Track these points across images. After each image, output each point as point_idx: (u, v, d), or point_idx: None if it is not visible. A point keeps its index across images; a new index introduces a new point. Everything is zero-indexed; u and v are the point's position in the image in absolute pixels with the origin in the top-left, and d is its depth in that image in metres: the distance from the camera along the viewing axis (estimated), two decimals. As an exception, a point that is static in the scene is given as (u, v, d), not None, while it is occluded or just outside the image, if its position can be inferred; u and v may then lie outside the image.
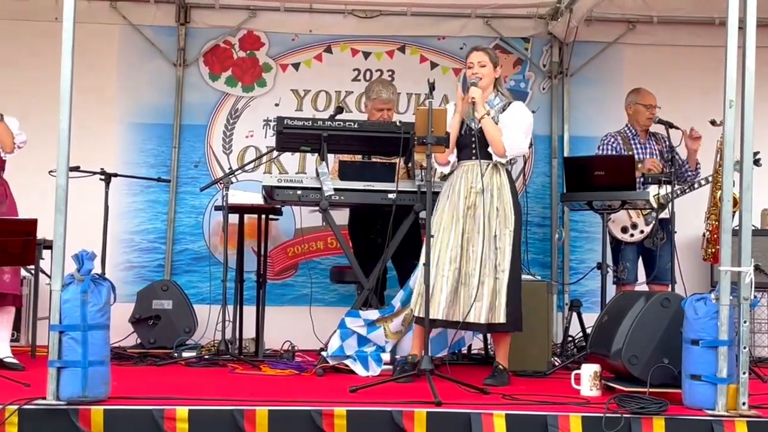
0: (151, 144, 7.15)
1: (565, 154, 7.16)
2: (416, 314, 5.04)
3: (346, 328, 5.41)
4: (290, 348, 6.07)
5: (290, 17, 7.28)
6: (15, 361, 5.34)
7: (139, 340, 6.40)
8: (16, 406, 3.92)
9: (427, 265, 4.77)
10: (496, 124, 5.10)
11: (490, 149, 5.11)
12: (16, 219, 5.13)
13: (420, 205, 5.51)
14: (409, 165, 5.82)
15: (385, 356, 5.34)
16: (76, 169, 5.68)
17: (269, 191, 5.60)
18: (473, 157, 5.12)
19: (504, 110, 5.18)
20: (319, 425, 4.00)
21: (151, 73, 7.17)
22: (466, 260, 4.99)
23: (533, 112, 7.19)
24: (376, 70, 7.26)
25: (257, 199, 5.97)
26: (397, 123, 5.78)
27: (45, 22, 6.80)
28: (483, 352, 6.14)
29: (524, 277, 5.77)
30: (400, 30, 7.34)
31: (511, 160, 5.20)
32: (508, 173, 5.18)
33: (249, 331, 6.28)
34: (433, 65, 7.31)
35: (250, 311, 6.30)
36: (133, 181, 6.85)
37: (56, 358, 4.02)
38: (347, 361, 5.36)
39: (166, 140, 7.16)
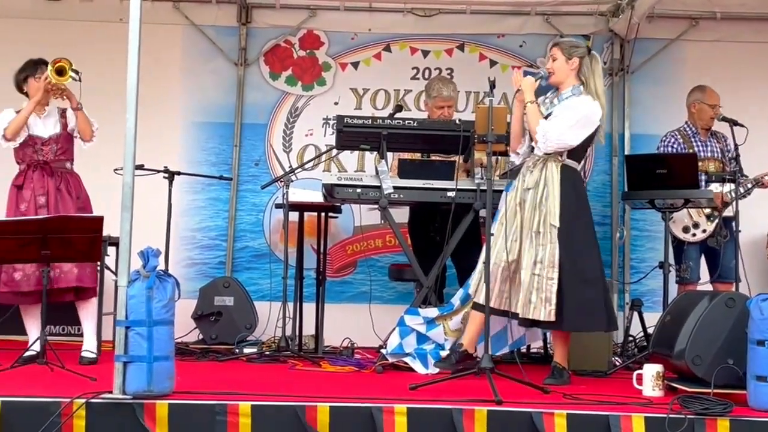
0: (212, 143, 7.25)
1: (626, 152, 7.09)
2: (491, 305, 4.90)
3: (405, 325, 5.42)
4: (349, 345, 6.10)
5: (350, 16, 7.32)
6: (92, 355, 5.42)
7: (201, 336, 6.49)
8: (83, 400, 4.00)
9: (486, 263, 4.76)
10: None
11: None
12: (83, 216, 5.23)
13: (479, 203, 5.51)
14: (468, 163, 5.81)
15: (444, 354, 5.34)
16: (141, 167, 5.75)
17: (329, 189, 5.64)
18: (532, 151, 5.10)
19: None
20: (380, 422, 4.02)
21: (213, 72, 7.27)
22: (514, 254, 4.95)
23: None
24: (435, 69, 7.26)
25: (317, 197, 6.01)
26: (457, 121, 5.77)
27: (110, 23, 6.94)
28: (542, 351, 6.11)
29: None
30: (459, 28, 7.33)
31: (568, 153, 5.03)
32: (565, 168, 4.99)
33: (308, 328, 6.33)
34: (492, 63, 7.29)
35: (309, 308, 6.35)
36: (195, 179, 6.94)
37: (122, 353, 4.09)
38: (406, 359, 5.37)
39: (227, 139, 7.25)
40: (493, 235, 4.92)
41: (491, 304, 4.86)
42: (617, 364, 5.58)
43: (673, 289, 6.10)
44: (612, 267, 7.11)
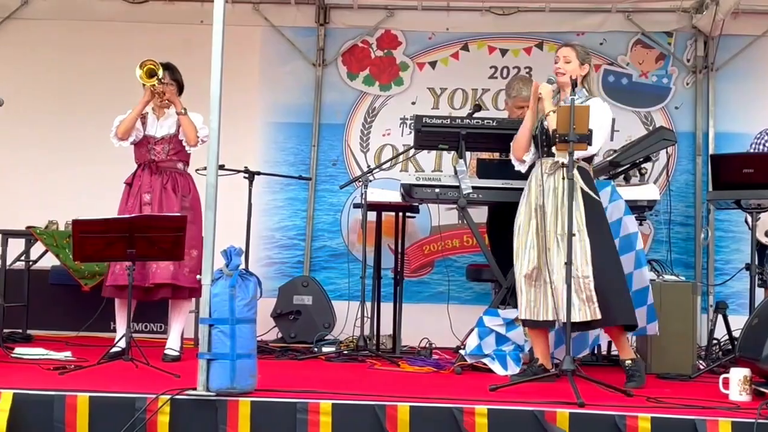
0: (291, 143, 7.31)
1: (710, 152, 6.94)
2: (522, 317, 4.98)
3: (484, 326, 5.38)
4: (427, 345, 6.09)
5: (427, 16, 7.32)
6: (175, 353, 5.50)
7: (280, 335, 6.56)
8: (168, 396, 4.06)
9: (568, 267, 4.71)
10: None
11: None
12: (167, 216, 5.31)
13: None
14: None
15: (524, 356, 5.30)
16: (221, 167, 5.81)
17: (408, 189, 5.64)
18: (543, 155, 5.02)
19: None
20: (460, 423, 4.01)
21: (291, 73, 7.34)
22: (540, 259, 4.89)
23: (676, 108, 7.13)
24: (513, 68, 7.22)
25: (395, 197, 6.02)
26: (537, 121, 5.71)
27: (191, 26, 7.05)
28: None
29: (667, 277, 5.66)
30: (538, 26, 7.27)
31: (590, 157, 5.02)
32: (582, 170, 4.92)
33: (386, 328, 6.33)
34: (572, 61, 7.19)
35: (387, 308, 6.35)
36: (273, 179, 7.01)
37: (206, 350, 4.14)
38: (485, 360, 5.34)
39: (305, 139, 7.31)
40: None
41: (524, 317, 4.91)
42: (701, 367, 5.47)
43: (760, 292, 5.95)
44: (696, 268, 6.98)
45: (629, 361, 4.94)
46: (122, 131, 5.59)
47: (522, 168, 5.18)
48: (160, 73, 5.50)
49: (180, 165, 5.70)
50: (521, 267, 4.95)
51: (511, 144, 5.19)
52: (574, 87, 4.84)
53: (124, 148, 5.71)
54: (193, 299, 5.86)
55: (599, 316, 4.79)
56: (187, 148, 5.64)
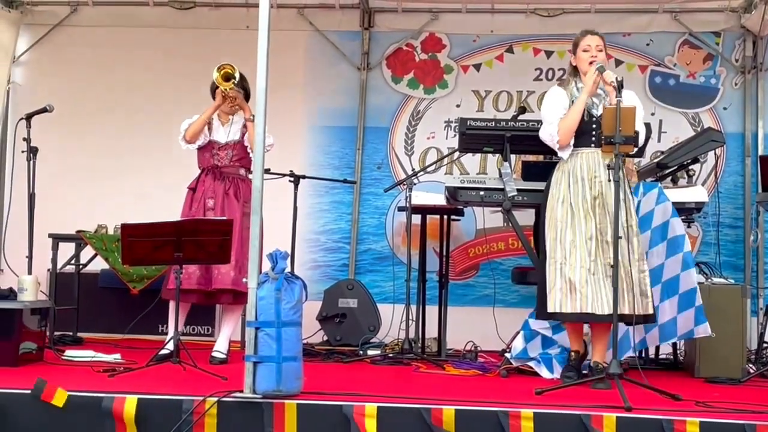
0: (335, 146, 7.35)
1: (759, 153, 6.85)
2: (558, 310, 4.83)
3: (530, 329, 5.36)
4: (473, 348, 6.08)
5: (471, 18, 7.31)
6: (222, 356, 5.54)
7: (325, 337, 6.58)
8: (215, 398, 4.10)
9: (615, 267, 4.66)
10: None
11: None
12: (213, 219, 5.36)
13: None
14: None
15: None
16: (267, 171, 5.85)
17: (452, 192, 5.62)
18: (592, 145, 4.94)
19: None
20: (505, 426, 3.99)
21: (336, 77, 7.38)
22: (602, 252, 4.82)
23: (724, 108, 7.04)
24: (559, 69, 7.17)
25: (440, 199, 6.01)
26: (583, 122, 5.67)
27: (237, 30, 7.11)
28: (671, 357, 5.94)
29: (716, 280, 5.60)
30: (583, 27, 7.10)
31: None
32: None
33: (431, 331, 6.33)
34: (618, 62, 7.14)
35: (432, 311, 6.36)
36: (318, 183, 7.04)
37: (253, 353, 4.17)
38: (531, 363, 5.31)
39: (349, 142, 7.34)
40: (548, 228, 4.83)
41: (587, 310, 4.78)
42: (751, 371, 5.39)
43: (812, 295, 5.87)
44: (745, 271, 6.89)
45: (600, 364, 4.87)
46: (191, 134, 5.66)
47: (564, 154, 5.00)
48: (237, 76, 5.55)
49: (242, 171, 5.76)
50: (582, 259, 4.81)
51: (559, 127, 4.95)
52: (621, 88, 4.75)
53: (184, 153, 5.79)
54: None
55: (651, 311, 4.79)
56: (251, 154, 5.69)
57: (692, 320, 5.18)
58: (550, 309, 4.85)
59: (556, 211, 4.94)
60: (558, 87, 5.13)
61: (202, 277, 5.45)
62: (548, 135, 5.00)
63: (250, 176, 5.76)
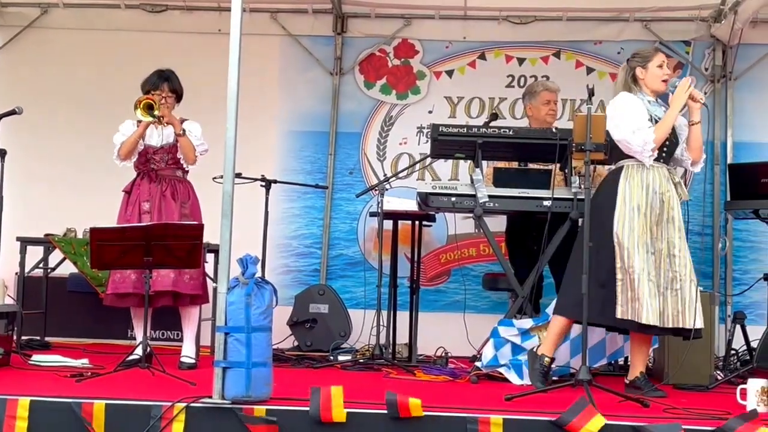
0: (307, 151, 7.33)
1: (729, 161, 6.91)
2: (652, 323, 4.81)
3: (499, 337, 5.36)
4: (443, 354, 6.08)
5: (444, 24, 7.33)
6: (191, 361, 5.52)
7: (296, 343, 6.56)
8: (184, 404, 4.06)
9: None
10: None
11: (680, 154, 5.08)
12: (184, 224, 5.33)
13: (576, 213, 5.42)
14: (566, 171, 5.73)
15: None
16: (238, 175, 5.78)
17: (424, 198, 5.62)
18: (661, 160, 4.99)
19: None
20: (475, 432, 3.99)
21: (309, 82, 7.37)
22: (661, 265, 4.87)
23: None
24: (531, 76, 7.21)
25: (411, 205, 6.02)
26: (554, 129, 5.71)
27: (208, 34, 7.09)
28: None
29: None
30: (555, 35, 7.27)
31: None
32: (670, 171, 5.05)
33: (402, 337, 6.33)
34: (589, 70, 7.20)
35: (403, 317, 6.36)
36: (290, 188, 7.03)
37: (222, 358, 4.13)
38: (501, 369, 5.32)
39: (322, 147, 7.33)
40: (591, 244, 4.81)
41: (652, 322, 4.78)
42: (719, 378, 5.43)
43: (779, 303, 5.93)
44: (713, 278, 6.94)
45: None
46: (125, 153, 5.64)
47: (647, 159, 4.92)
48: (157, 102, 5.53)
49: (179, 172, 5.73)
50: (648, 271, 4.81)
51: (656, 135, 4.89)
52: (592, 95, 4.78)
53: None
54: (209, 306, 5.87)
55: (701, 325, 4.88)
56: (185, 166, 5.67)
57: (621, 337, 5.28)
58: (644, 321, 4.78)
59: (633, 221, 4.88)
60: (630, 94, 5.04)
61: (139, 280, 5.39)
62: (641, 141, 4.89)
63: (187, 177, 5.76)
